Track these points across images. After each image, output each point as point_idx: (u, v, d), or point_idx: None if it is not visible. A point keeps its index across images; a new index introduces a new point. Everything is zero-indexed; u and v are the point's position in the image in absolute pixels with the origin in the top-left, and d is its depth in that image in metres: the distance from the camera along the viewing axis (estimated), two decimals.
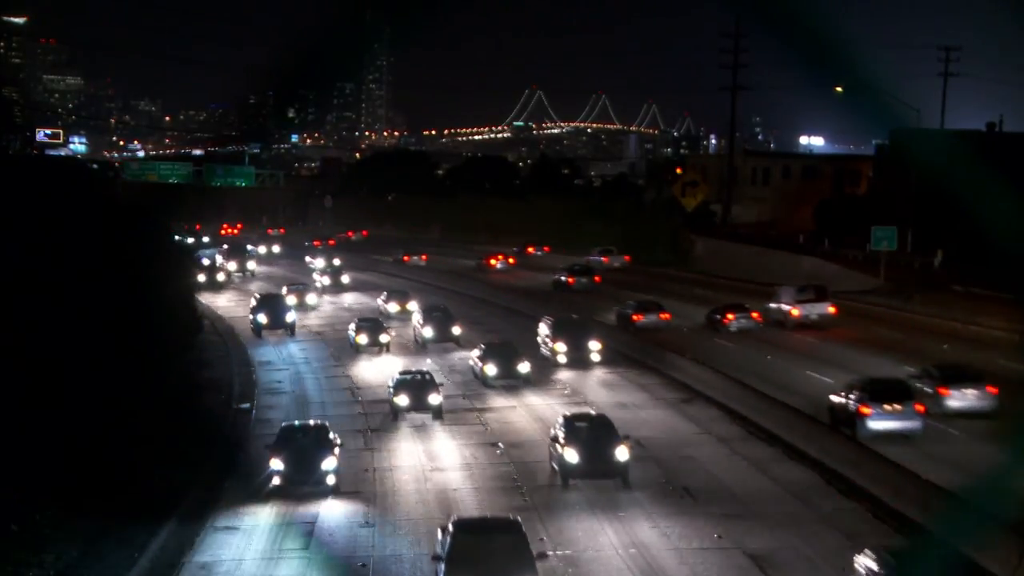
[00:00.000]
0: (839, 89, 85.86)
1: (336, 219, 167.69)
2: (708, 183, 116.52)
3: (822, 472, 35.47)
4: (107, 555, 28.80)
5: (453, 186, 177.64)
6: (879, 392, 39.00)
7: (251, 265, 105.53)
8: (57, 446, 32.38)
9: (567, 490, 34.74)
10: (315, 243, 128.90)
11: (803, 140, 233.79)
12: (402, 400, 44.88)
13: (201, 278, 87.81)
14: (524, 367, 51.20)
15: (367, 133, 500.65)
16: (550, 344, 55.85)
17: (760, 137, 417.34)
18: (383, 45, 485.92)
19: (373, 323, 63.15)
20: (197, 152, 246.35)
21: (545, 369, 54.04)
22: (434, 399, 45.10)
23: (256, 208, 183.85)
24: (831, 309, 65.36)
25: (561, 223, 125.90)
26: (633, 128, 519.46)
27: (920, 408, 38.70)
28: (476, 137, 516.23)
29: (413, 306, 71.23)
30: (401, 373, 47.67)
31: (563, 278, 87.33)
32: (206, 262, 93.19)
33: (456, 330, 61.80)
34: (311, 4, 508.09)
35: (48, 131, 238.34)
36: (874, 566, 24.27)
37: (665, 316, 65.27)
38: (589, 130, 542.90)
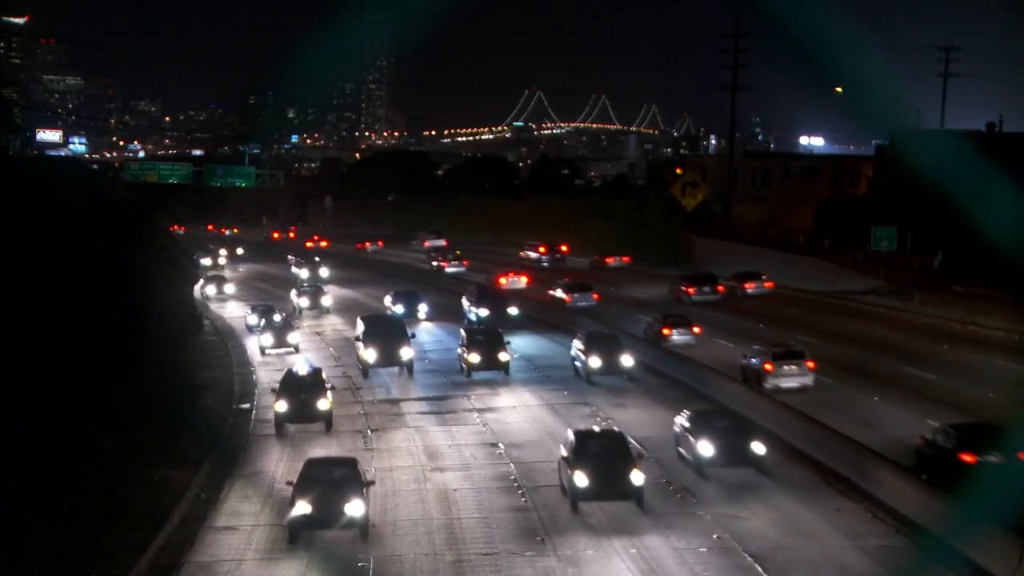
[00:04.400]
0: (839, 89, 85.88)
1: (335, 219, 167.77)
2: (708, 183, 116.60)
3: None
4: (108, 555, 28.81)
5: (453, 186, 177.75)
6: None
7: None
8: (55, 445, 32.37)
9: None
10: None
11: (803, 140, 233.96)
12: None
13: (323, 404, 43.01)
14: None
15: (367, 133, 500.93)
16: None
17: (760, 137, 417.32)
18: (383, 45, 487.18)
19: None
20: (197, 152, 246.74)
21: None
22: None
23: (256, 208, 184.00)
24: (443, 242, 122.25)
25: (561, 223, 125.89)
26: (633, 128, 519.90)
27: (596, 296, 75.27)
28: (476, 137, 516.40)
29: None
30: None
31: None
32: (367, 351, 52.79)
33: None
34: (312, 4, 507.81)
35: (48, 132, 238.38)
36: None
37: (380, 244, 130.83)
38: (590, 130, 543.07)
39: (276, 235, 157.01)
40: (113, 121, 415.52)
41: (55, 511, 30.20)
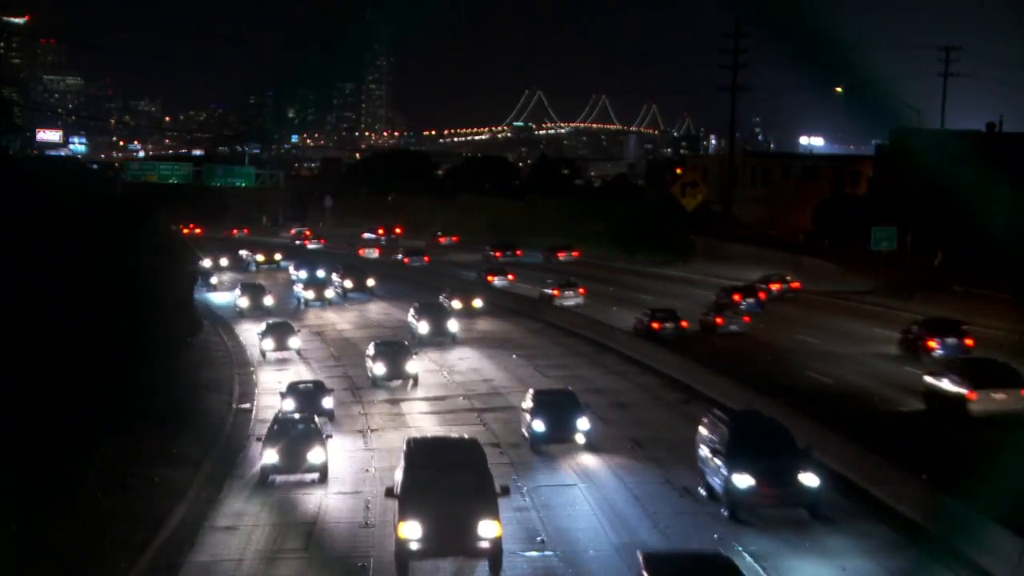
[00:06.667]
0: (839, 89, 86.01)
1: (336, 219, 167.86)
2: (708, 183, 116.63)
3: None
4: (107, 555, 28.80)
5: (453, 186, 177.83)
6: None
7: None
8: (55, 445, 32.37)
9: (566, 488, 34.72)
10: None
11: (803, 140, 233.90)
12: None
13: None
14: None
15: (367, 133, 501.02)
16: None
17: (760, 137, 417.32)
18: (383, 45, 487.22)
19: None
20: (197, 152, 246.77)
21: None
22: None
23: (256, 208, 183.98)
24: (307, 231, 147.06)
25: (561, 223, 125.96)
26: (633, 128, 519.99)
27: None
28: (476, 137, 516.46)
29: None
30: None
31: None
32: None
33: None
34: (312, 4, 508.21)
35: (48, 132, 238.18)
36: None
37: (247, 231, 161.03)
38: (590, 130, 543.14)
39: (185, 231, 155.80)
40: (113, 121, 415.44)
41: (55, 512, 30.19)
